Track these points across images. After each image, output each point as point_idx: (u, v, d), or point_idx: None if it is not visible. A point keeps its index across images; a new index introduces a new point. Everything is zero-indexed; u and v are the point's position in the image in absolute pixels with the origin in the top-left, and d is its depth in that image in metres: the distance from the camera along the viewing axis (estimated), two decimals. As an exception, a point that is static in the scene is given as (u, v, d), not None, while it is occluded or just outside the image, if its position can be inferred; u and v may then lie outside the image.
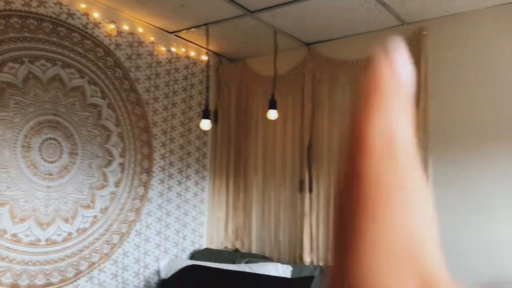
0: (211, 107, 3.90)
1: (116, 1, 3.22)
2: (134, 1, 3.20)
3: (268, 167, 3.88)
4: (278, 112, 3.49)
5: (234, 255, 3.76)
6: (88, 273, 3.11)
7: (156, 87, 3.63)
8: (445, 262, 0.15)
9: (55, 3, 3.01)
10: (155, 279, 3.54)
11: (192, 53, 3.93)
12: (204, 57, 3.98)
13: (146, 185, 3.52)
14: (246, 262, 3.55)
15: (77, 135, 3.08)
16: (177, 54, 3.81)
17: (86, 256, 3.11)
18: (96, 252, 3.16)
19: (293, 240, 3.67)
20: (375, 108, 0.16)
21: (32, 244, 2.82)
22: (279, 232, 3.75)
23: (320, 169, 3.57)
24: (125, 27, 3.41)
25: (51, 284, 2.90)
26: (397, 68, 0.17)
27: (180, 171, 3.80)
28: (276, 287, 3.15)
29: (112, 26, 3.33)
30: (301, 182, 3.65)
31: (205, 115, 3.50)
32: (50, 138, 2.94)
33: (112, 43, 3.34)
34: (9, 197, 2.73)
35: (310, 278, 3.17)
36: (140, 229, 3.47)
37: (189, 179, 3.88)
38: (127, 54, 3.43)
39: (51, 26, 2.98)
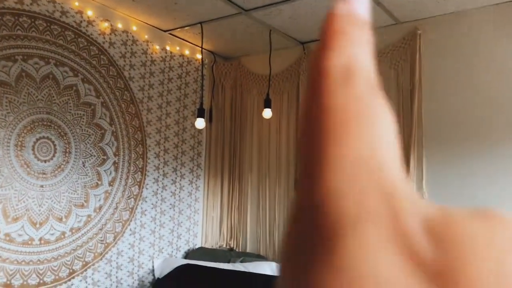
0: (206, 106, 3.89)
1: (110, -1, 3.21)
2: (128, -1, 3.18)
3: (263, 165, 3.87)
4: (273, 110, 3.49)
5: (228, 254, 3.75)
6: (82, 272, 3.09)
7: (150, 86, 3.62)
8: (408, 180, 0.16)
9: (49, 1, 2.98)
10: (149, 278, 3.53)
11: (187, 52, 3.91)
12: (199, 56, 3.97)
13: (140, 184, 3.50)
14: (241, 261, 3.55)
15: (70, 134, 3.06)
16: (171, 52, 3.80)
17: (80, 255, 3.09)
18: (90, 252, 3.15)
19: (288, 239, 3.66)
20: (332, 45, 0.17)
21: (25, 243, 2.80)
22: (274, 231, 3.75)
23: (314, 168, 3.57)
24: (119, 25, 3.39)
25: (45, 283, 2.88)
26: (355, 6, 0.18)
27: (175, 170, 3.79)
28: (271, 286, 3.15)
29: (106, 24, 3.31)
30: (296, 181, 3.65)
31: (200, 114, 3.49)
32: (44, 137, 2.92)
33: (106, 41, 3.32)
34: (2, 196, 2.71)
35: (305, 277, 3.16)
36: (135, 228, 3.46)
37: (184, 178, 3.87)
38: (121, 53, 3.41)
39: (44, 24, 2.96)
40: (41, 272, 2.86)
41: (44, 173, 2.91)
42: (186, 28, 3.63)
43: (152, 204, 3.59)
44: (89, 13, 3.20)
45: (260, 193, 3.86)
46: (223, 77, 4.15)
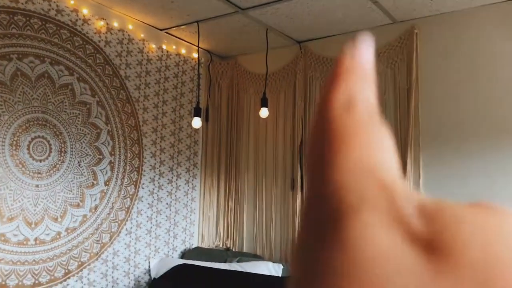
0: (202, 105, 3.88)
1: (105, -2, 3.19)
2: (124, -2, 3.16)
3: (259, 165, 3.86)
4: (269, 110, 3.48)
5: (225, 254, 3.74)
6: (77, 272, 3.08)
7: (146, 85, 3.60)
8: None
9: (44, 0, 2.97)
10: (145, 278, 3.51)
11: (183, 51, 3.90)
12: (195, 55, 3.96)
13: (136, 183, 3.49)
14: (238, 261, 3.54)
15: (66, 133, 3.05)
16: (167, 51, 3.78)
17: (76, 255, 3.07)
18: (85, 252, 3.13)
19: (285, 238, 3.66)
20: (338, 82, 0.20)
21: (20, 243, 2.78)
22: (270, 231, 3.74)
23: (311, 168, 3.56)
24: (115, 24, 3.37)
25: (40, 284, 2.86)
26: (361, 54, 0.21)
27: (171, 170, 3.77)
28: (268, 286, 3.14)
29: (101, 23, 3.29)
30: (293, 181, 3.64)
31: (196, 113, 3.48)
32: (39, 136, 2.90)
33: (102, 40, 3.30)
34: (-3, 196, 2.69)
35: (302, 277, 3.16)
36: (131, 228, 3.44)
37: (180, 178, 3.86)
38: (117, 51, 3.39)
39: (39, 23, 2.94)
40: (36, 272, 2.85)
41: (39, 173, 2.89)
42: (183, 27, 3.61)
43: (148, 203, 3.58)
44: (85, 11, 3.18)
45: (256, 193, 3.85)
46: (219, 76, 4.13)
